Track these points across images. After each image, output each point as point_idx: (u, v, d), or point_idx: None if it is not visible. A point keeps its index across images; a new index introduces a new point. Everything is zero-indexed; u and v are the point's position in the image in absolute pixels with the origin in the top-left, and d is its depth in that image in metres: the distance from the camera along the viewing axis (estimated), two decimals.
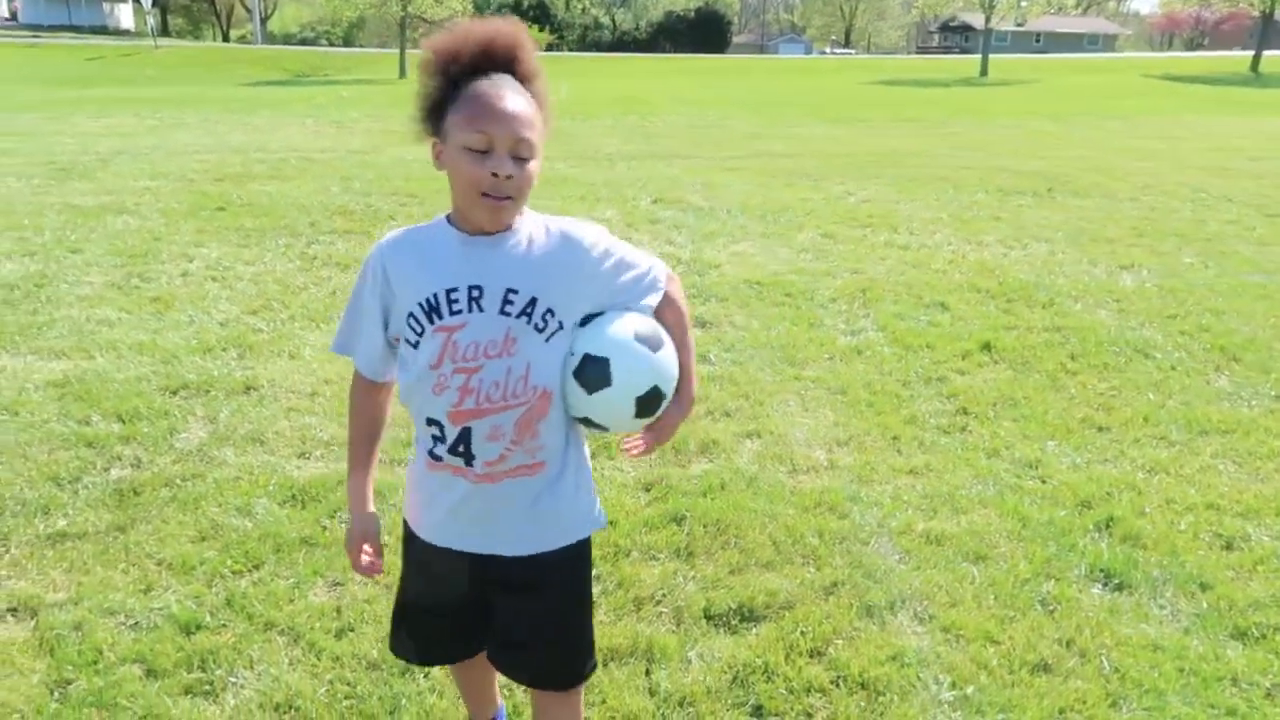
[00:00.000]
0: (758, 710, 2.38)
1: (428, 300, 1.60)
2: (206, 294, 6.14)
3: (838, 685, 2.47)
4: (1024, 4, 46.74)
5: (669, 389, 1.69)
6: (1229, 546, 3.23)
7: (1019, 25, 54.63)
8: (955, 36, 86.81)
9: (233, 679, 2.46)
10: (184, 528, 3.21)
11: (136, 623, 2.69)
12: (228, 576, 2.92)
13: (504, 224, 1.60)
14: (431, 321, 1.60)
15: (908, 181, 11.83)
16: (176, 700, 2.38)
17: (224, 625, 2.68)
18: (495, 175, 1.52)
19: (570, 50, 68.55)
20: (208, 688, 2.43)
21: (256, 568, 2.98)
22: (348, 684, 2.45)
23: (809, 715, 2.37)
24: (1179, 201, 10.22)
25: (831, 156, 14.69)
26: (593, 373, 1.62)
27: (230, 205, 9.16)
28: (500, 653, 1.82)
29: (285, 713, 2.34)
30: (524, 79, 1.59)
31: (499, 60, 1.57)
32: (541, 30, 63.61)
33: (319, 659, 2.55)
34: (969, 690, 2.47)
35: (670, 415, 1.74)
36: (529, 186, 1.57)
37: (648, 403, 1.66)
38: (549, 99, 1.62)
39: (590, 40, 78.72)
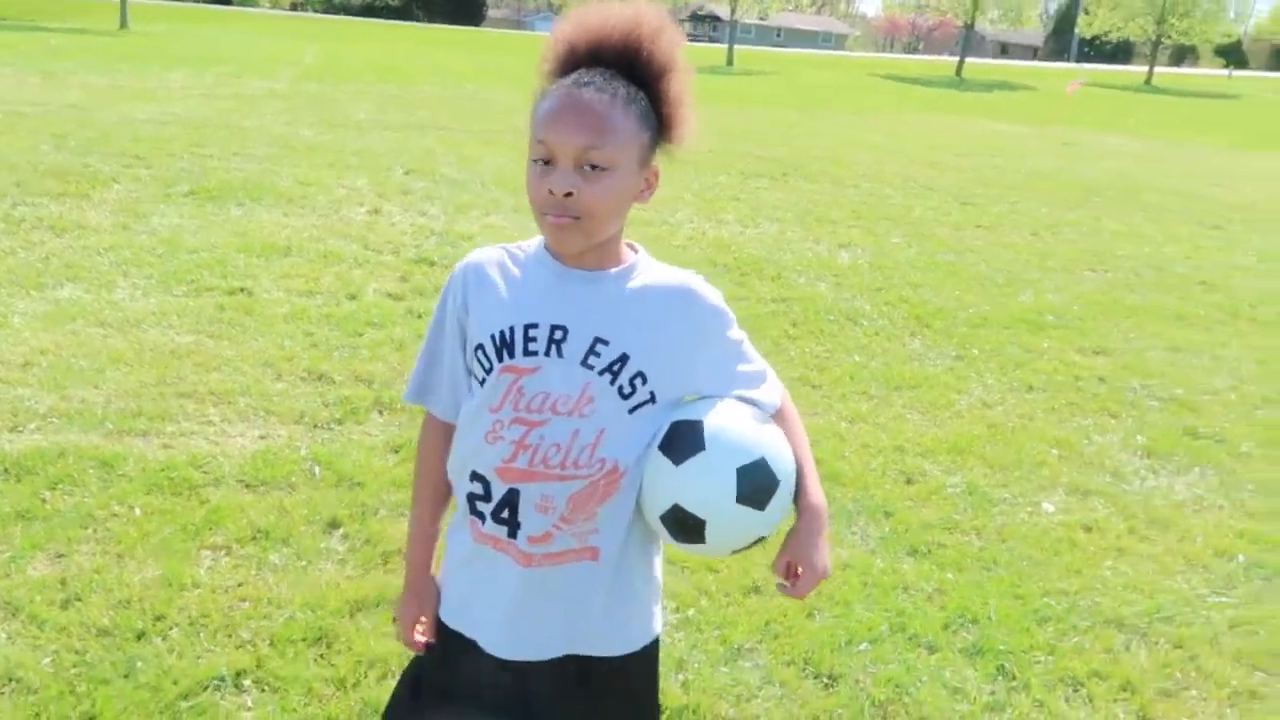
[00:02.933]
0: None
1: (501, 334, 1.35)
2: None
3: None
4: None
5: (781, 473, 1.37)
6: (910, 481, 3.77)
7: (762, 19, 57.84)
8: (704, 26, 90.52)
9: None
10: None
11: None
12: None
13: (572, 249, 1.34)
14: (500, 359, 1.35)
15: None
16: None
17: None
18: (551, 193, 1.28)
19: (316, 11, 65.04)
20: None
21: None
22: (76, 652, 2.37)
23: None
24: (893, 189, 11.36)
25: None
26: (683, 437, 1.35)
27: None
28: None
29: (6, 686, 2.24)
30: (647, 77, 1.33)
31: (612, 53, 1.32)
32: None
33: (41, 630, 2.44)
34: (690, 612, 2.77)
35: (805, 531, 1.41)
36: (603, 208, 1.29)
37: (754, 480, 1.34)
38: (688, 99, 1.37)
39: (339, 3, 75.08)
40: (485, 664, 1.44)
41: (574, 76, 1.31)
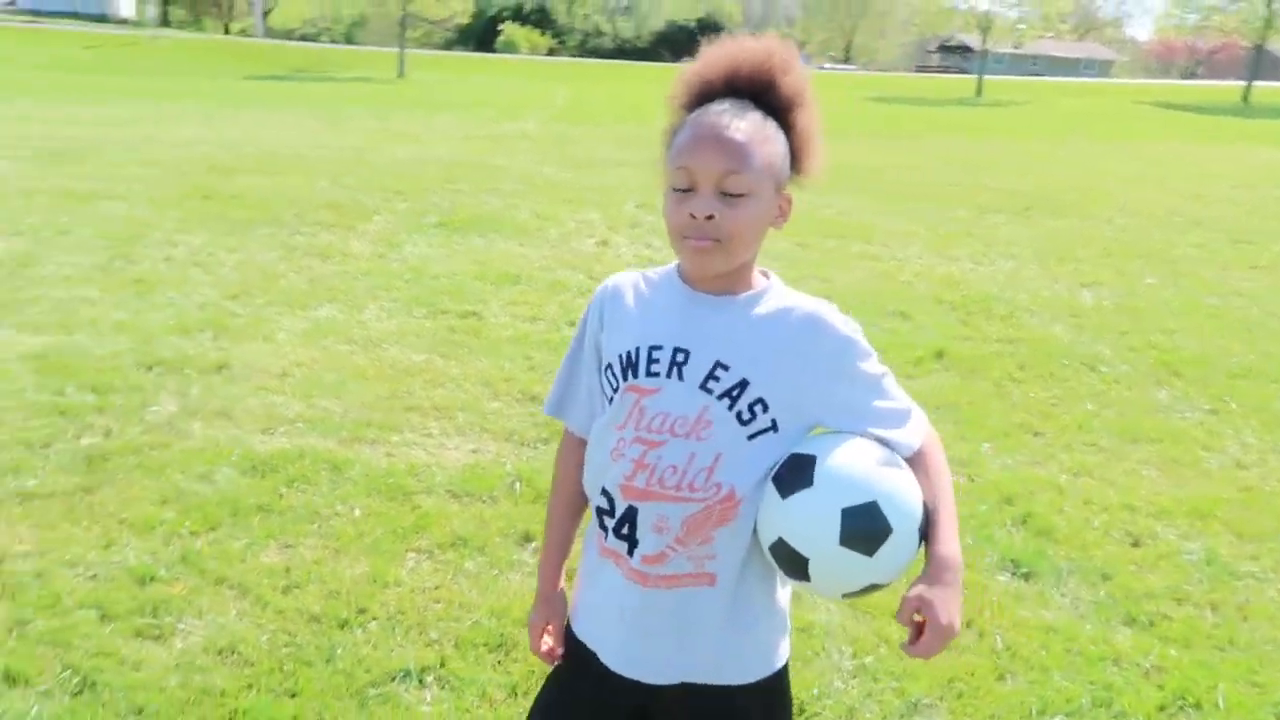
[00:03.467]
0: None
1: (628, 354, 1.39)
2: (188, 278, 6.30)
3: None
4: (1021, 27, 47.18)
5: (898, 519, 1.30)
6: (1136, 543, 3.43)
7: (1016, 48, 55.18)
8: (954, 56, 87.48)
9: (181, 625, 2.64)
10: (147, 491, 3.38)
11: (95, 574, 2.86)
12: (185, 536, 3.10)
13: (711, 272, 1.36)
14: (625, 379, 1.39)
15: (889, 196, 12.05)
16: (127, 641, 2.55)
17: (177, 579, 2.85)
18: (693, 216, 1.30)
19: (570, 56, 68.92)
20: (157, 632, 2.60)
21: (213, 529, 3.15)
22: (289, 634, 2.62)
23: None
24: (1153, 225, 10.45)
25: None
26: (795, 469, 1.32)
27: (217, 195, 9.32)
28: None
29: (228, 657, 2.51)
30: (777, 108, 1.36)
31: (743, 84, 1.35)
32: (542, 35, 64.04)
33: (264, 611, 2.72)
34: (867, 660, 2.65)
35: (930, 582, 1.30)
36: (743, 231, 1.32)
37: (861, 524, 1.28)
38: (816, 131, 1.39)
39: (590, 47, 79.10)
40: (607, 678, 1.44)
41: (711, 106, 1.34)
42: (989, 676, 2.60)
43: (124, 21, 65.05)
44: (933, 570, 1.32)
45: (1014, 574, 3.17)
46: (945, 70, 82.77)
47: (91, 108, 18.61)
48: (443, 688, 2.45)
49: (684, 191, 1.31)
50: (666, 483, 1.35)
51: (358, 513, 3.33)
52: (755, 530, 1.36)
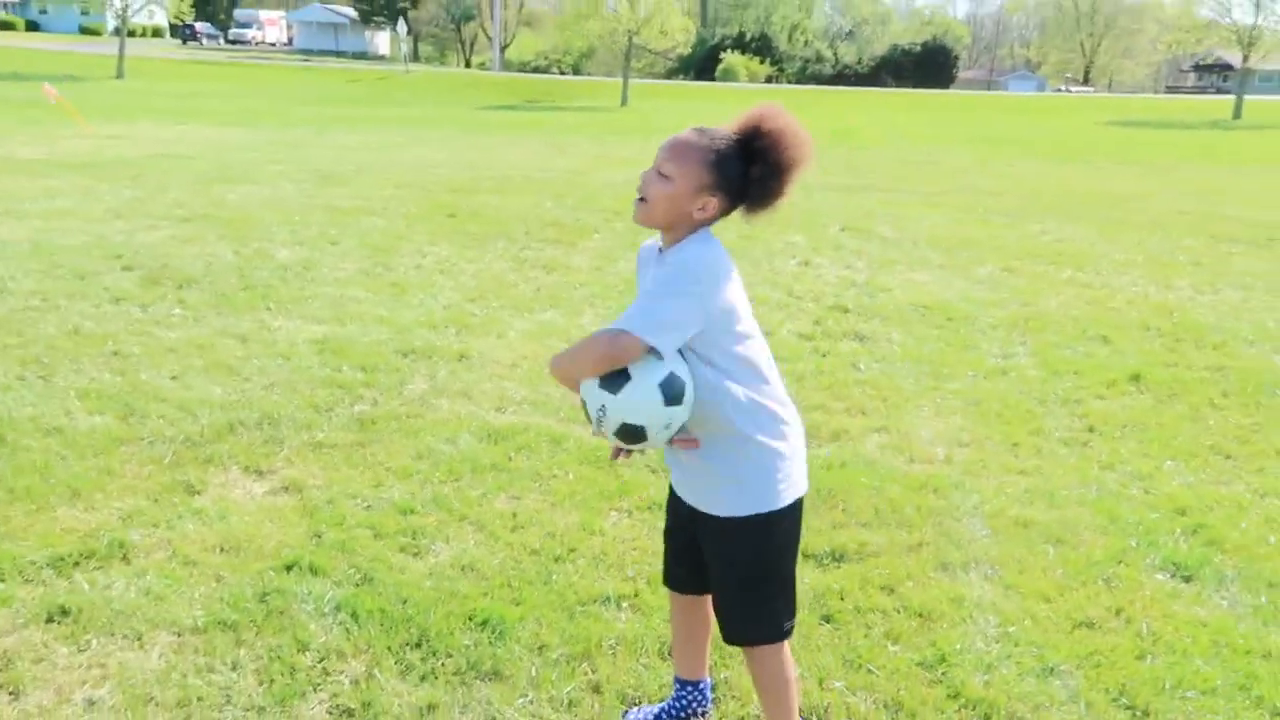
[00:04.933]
0: (826, 618, 2.94)
1: None
2: (435, 283, 7.24)
3: (899, 611, 2.99)
4: None
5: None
6: None
7: None
8: (1211, 76, 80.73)
9: (433, 547, 3.30)
10: (405, 449, 4.12)
11: (369, 505, 3.59)
12: (435, 483, 3.79)
13: (635, 221, 2.08)
14: None
15: (1112, 224, 11.68)
16: (394, 554, 3.23)
17: (429, 513, 3.53)
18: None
19: (789, 83, 69.22)
20: (415, 550, 3.27)
21: (457, 480, 3.83)
22: (515, 561, 3.22)
23: (868, 627, 2.91)
24: None
25: (1038, 195, 14.58)
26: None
27: (459, 213, 10.45)
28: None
29: (468, 572, 3.13)
30: (760, 160, 2.01)
31: (748, 132, 2.04)
32: (761, 63, 64.75)
33: (496, 543, 3.34)
34: (1011, 629, 2.92)
35: None
36: (657, 202, 1.99)
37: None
38: (780, 199, 2.04)
39: (810, 73, 79.08)
40: (678, 499, 2.25)
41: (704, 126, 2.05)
42: (1129, 654, 2.81)
43: (380, 58, 71.62)
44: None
45: (1173, 575, 3.31)
46: (1201, 90, 76.57)
47: (353, 135, 20.91)
48: (635, 611, 2.96)
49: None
50: None
51: (571, 476, 3.92)
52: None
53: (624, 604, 3.00)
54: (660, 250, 2.06)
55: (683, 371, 1.94)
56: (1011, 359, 5.88)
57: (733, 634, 2.22)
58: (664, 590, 2.94)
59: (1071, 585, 3.21)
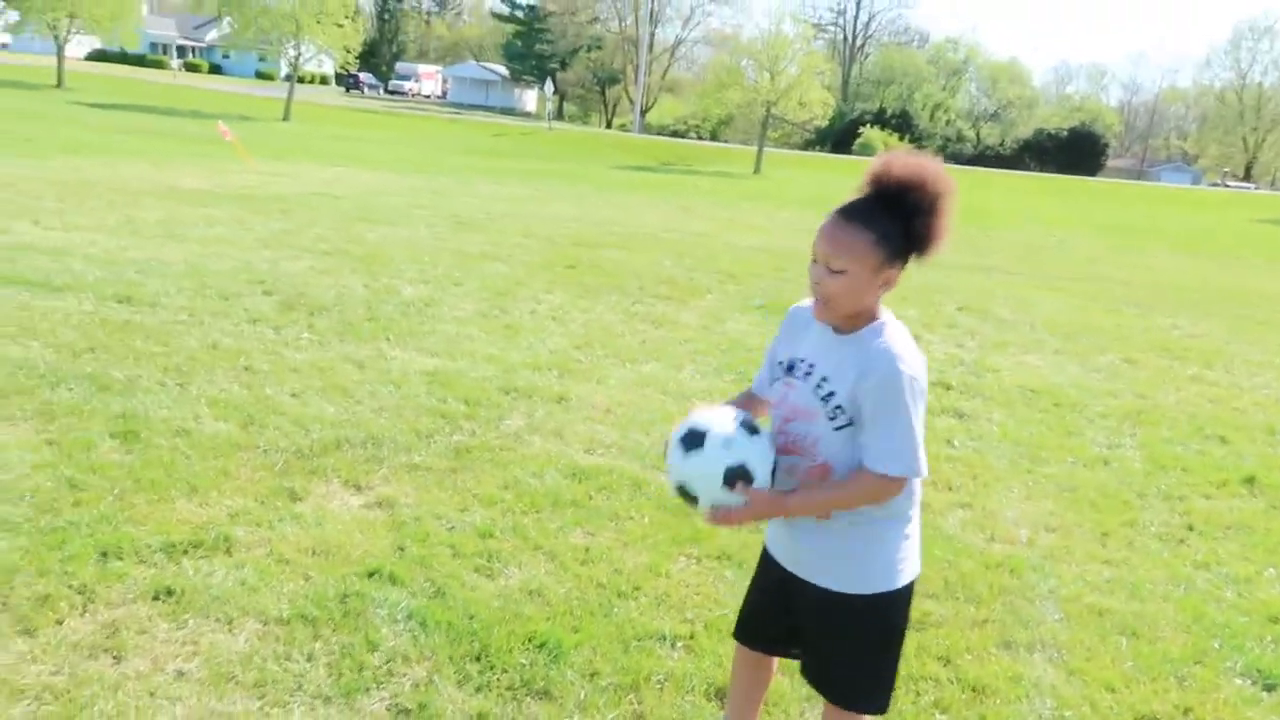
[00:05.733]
0: None
1: (785, 360, 2.22)
2: (545, 329, 7.54)
3: (952, 682, 2.98)
4: None
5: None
6: None
7: None
8: None
9: (505, 570, 3.47)
10: (494, 478, 4.34)
11: (452, 526, 3.79)
12: (516, 512, 3.98)
13: (822, 320, 2.08)
14: (782, 375, 2.19)
15: (1251, 323, 11.16)
16: (468, 573, 3.41)
17: (506, 539, 3.71)
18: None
19: None
20: (489, 572, 3.45)
21: (537, 511, 4.01)
22: (580, 592, 3.36)
23: (917, 694, 2.90)
24: None
25: (1172, 289, 14.05)
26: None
27: (579, 265, 10.83)
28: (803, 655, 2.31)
29: (535, 597, 3.29)
30: (911, 213, 2.00)
31: (889, 187, 2.02)
32: (901, 139, 64.49)
33: (565, 573, 3.48)
34: (1068, 713, 2.86)
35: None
36: (842, 295, 2.01)
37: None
38: (942, 234, 2.02)
39: (950, 152, 78.14)
40: (772, 564, 2.29)
41: (843, 204, 2.03)
42: None
43: (526, 114, 74.68)
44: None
45: (1255, 682, 3.17)
46: None
47: (494, 186, 21.87)
48: (688, 652, 3.04)
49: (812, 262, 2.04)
50: (792, 445, 2.10)
51: (647, 520, 4.04)
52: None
53: (678, 644, 3.09)
54: (836, 330, 2.06)
55: (758, 461, 2.04)
56: (1116, 449, 5.71)
57: (844, 698, 2.25)
58: (719, 637, 3.04)
59: (1140, 678, 3.12)
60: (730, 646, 3.00)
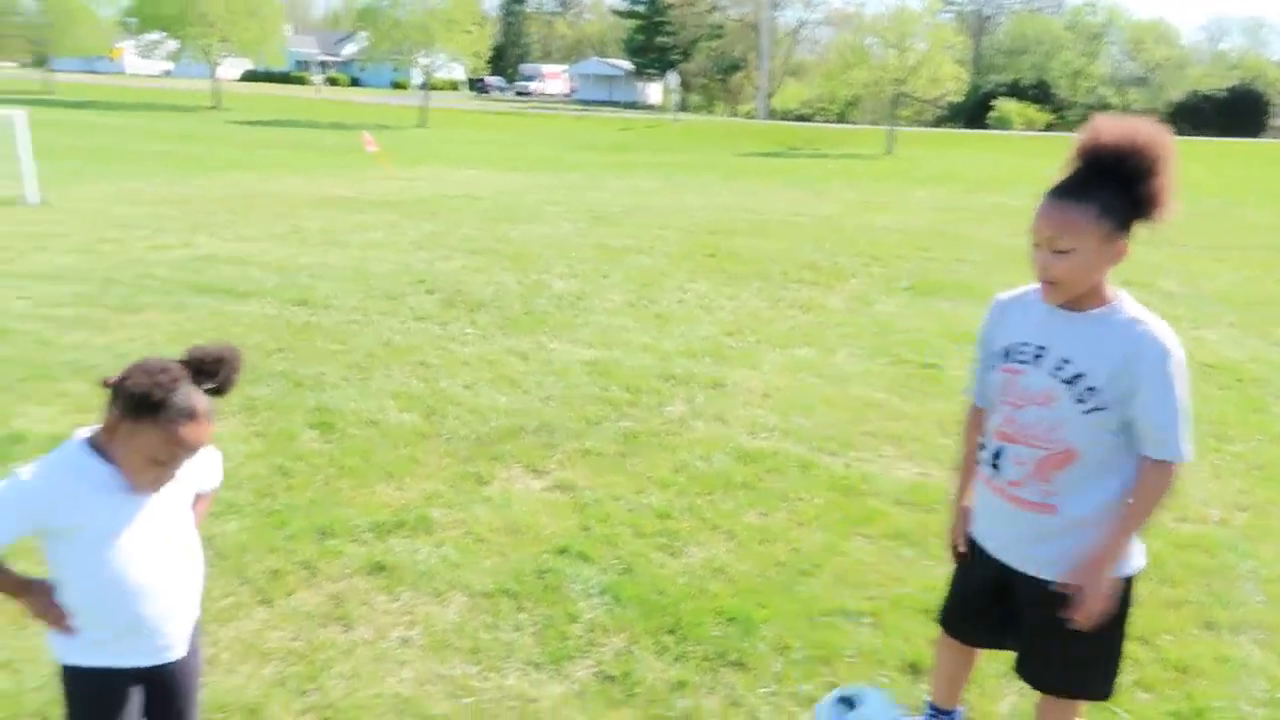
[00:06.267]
0: None
1: (1006, 347, 2.11)
2: (695, 317, 7.64)
3: (1155, 662, 2.91)
4: None
5: None
6: None
7: None
8: None
9: (687, 549, 3.59)
10: (664, 462, 4.46)
11: (631, 508, 3.94)
12: (691, 494, 4.09)
13: (1051, 303, 2.02)
14: (1003, 362, 2.09)
15: None
16: (652, 551, 3.55)
17: (684, 519, 3.82)
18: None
19: (1068, 131, 65.35)
20: (671, 550, 3.58)
21: (710, 493, 4.11)
22: (761, 569, 3.44)
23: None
24: None
25: None
26: None
27: (719, 253, 10.89)
28: (1019, 650, 2.25)
29: (719, 574, 3.39)
30: (1133, 177, 1.94)
31: (1105, 157, 1.97)
32: (1039, 110, 61.73)
33: (744, 551, 3.58)
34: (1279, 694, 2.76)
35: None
36: (1071, 275, 1.96)
37: None
38: (1168, 194, 1.93)
39: None
40: (985, 556, 2.22)
41: (1056, 183, 1.96)
42: None
43: (651, 107, 75.06)
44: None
45: None
46: None
47: (622, 180, 22.15)
48: (876, 629, 3.08)
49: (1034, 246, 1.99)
50: (1022, 434, 2.03)
51: (818, 500, 4.08)
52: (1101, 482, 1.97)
53: (865, 620, 3.13)
54: (1067, 309, 2.01)
55: None
56: None
57: (1072, 686, 2.21)
58: (905, 613, 3.07)
59: None
60: (918, 623, 3.04)
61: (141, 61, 68.27)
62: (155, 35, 49.04)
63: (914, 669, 2.86)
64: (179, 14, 44.91)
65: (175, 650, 1.94)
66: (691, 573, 3.39)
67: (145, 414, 1.71)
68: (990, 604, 2.26)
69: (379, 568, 3.35)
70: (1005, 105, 63.64)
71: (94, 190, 15.17)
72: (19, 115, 13.62)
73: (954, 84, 40.25)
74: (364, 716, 2.59)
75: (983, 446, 2.13)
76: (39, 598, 1.83)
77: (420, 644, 2.92)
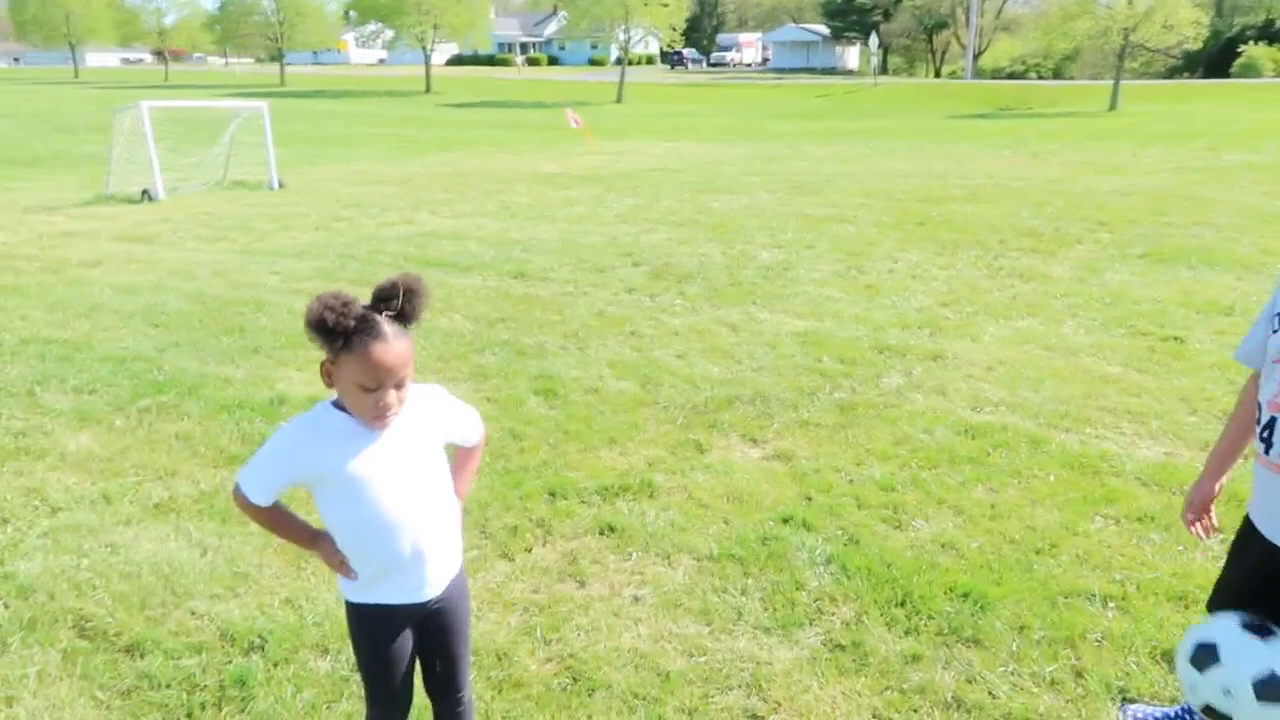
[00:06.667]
0: None
1: None
2: (906, 287, 7.42)
3: None
4: None
5: None
6: None
7: None
8: None
9: (913, 523, 3.53)
10: (883, 434, 4.38)
11: (852, 479, 3.90)
12: (913, 467, 4.01)
13: None
14: None
15: None
16: (876, 523, 3.52)
17: (908, 492, 3.75)
18: None
19: None
20: (896, 523, 3.53)
21: (934, 467, 4.01)
22: (993, 547, 3.33)
23: None
24: None
25: None
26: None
27: (929, 221, 10.49)
28: None
29: (948, 549, 3.31)
30: None
31: None
32: None
33: (974, 528, 3.47)
34: None
35: None
36: None
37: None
38: None
39: None
40: (1260, 539, 2.00)
41: None
42: None
43: (850, 72, 72.92)
44: None
45: None
46: None
47: (822, 148, 21.70)
48: (1122, 612, 2.92)
49: None
50: None
51: (1053, 478, 3.89)
52: None
53: (1110, 603, 2.97)
54: None
55: None
56: None
57: None
58: (1156, 600, 2.91)
59: None
60: (1171, 610, 2.86)
61: (360, 51, 73.19)
62: (373, 26, 52.45)
63: (1166, 658, 2.69)
64: (395, 4, 47.80)
65: (434, 589, 2.07)
66: (919, 546, 3.33)
67: (335, 340, 1.79)
68: (1265, 592, 2.07)
69: (609, 528, 3.49)
70: (1254, 50, 57.39)
71: (324, 173, 16.44)
72: (263, 107, 14.99)
73: (1192, 29, 36.61)
74: (604, 667, 2.72)
75: (1258, 421, 1.95)
76: (326, 547, 2.02)
77: (652, 602, 3.03)
